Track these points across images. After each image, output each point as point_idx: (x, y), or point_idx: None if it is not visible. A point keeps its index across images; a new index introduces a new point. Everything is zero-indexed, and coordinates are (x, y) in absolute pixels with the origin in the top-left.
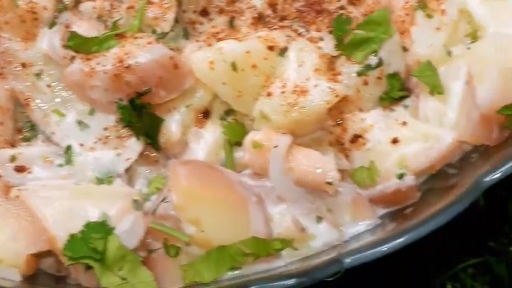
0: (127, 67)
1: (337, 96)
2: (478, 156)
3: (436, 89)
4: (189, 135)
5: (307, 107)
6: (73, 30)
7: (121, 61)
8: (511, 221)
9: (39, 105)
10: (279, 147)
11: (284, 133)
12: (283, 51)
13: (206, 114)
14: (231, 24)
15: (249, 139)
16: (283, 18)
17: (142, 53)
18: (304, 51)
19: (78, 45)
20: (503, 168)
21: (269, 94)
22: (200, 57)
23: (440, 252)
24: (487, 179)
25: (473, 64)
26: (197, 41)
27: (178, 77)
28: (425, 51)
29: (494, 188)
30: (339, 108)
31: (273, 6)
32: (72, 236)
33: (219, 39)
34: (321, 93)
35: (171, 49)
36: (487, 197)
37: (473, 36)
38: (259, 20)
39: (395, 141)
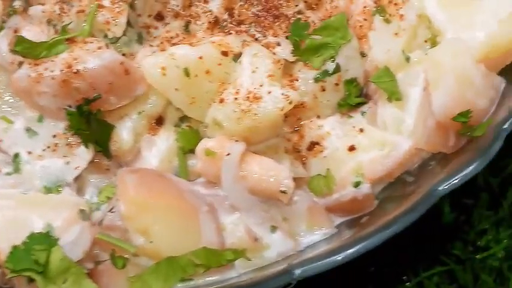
0: (75, 73)
1: (290, 102)
2: (436, 163)
3: (394, 95)
4: (141, 142)
5: (260, 113)
6: (21, 34)
7: (69, 66)
8: (477, 229)
9: None
10: (231, 155)
11: (237, 140)
12: (237, 56)
13: (160, 120)
14: (187, 28)
15: (201, 147)
16: (239, 23)
17: (92, 58)
18: (258, 57)
19: (26, 50)
20: (457, 176)
21: (222, 101)
22: (151, 63)
23: (405, 260)
24: (442, 187)
25: (430, 70)
26: (151, 45)
27: (130, 83)
28: (383, 57)
29: (459, 195)
30: (296, 115)
31: (229, 10)
32: (15, 247)
33: (173, 44)
34: (274, 100)
35: (124, 54)
36: (453, 204)
37: (433, 42)
38: (216, 24)
39: (352, 148)
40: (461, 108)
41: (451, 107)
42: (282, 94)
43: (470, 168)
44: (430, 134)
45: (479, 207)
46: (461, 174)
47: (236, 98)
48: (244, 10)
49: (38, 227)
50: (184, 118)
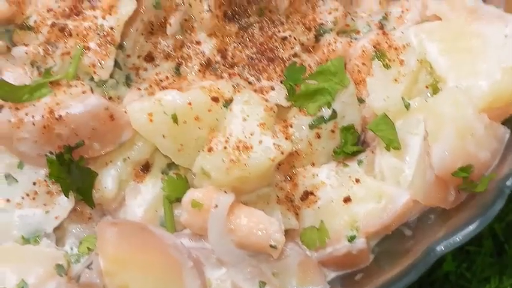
0: (58, 118)
1: (282, 153)
2: (435, 217)
3: (392, 143)
4: (126, 190)
5: (250, 164)
6: (3, 76)
7: (51, 112)
8: (479, 277)
9: None
10: (219, 207)
11: (226, 191)
12: (228, 102)
13: (146, 166)
14: (177, 70)
15: (187, 198)
16: (233, 65)
17: (75, 104)
18: (250, 104)
19: (6, 94)
20: (457, 235)
21: (210, 149)
22: (138, 108)
23: None
24: (440, 247)
25: (430, 120)
26: (138, 89)
27: (115, 129)
28: (381, 104)
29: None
30: (289, 162)
31: (222, 52)
32: None
33: (163, 87)
34: (265, 150)
35: (110, 97)
36: (455, 251)
37: (434, 88)
38: (208, 66)
39: (347, 200)
40: (462, 161)
41: (451, 161)
42: (274, 144)
43: (471, 227)
44: (429, 188)
45: (482, 254)
46: (462, 233)
47: (225, 147)
48: (238, 52)
49: (11, 283)
50: (172, 164)
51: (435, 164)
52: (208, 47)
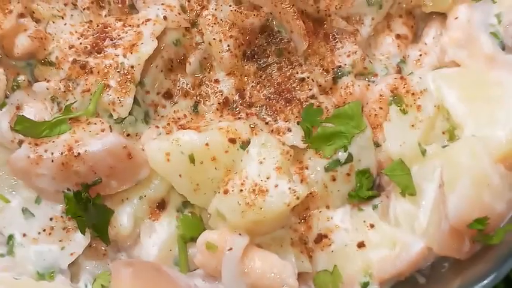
0: (76, 156)
1: (298, 198)
2: (449, 265)
3: (408, 189)
4: (141, 227)
5: (265, 208)
6: (22, 113)
7: (70, 149)
8: None
9: None
10: (233, 250)
11: (240, 234)
12: (245, 143)
13: (161, 204)
14: (195, 109)
15: (202, 240)
16: (250, 105)
17: (94, 141)
18: (267, 147)
19: (26, 129)
20: None
21: (226, 192)
22: (156, 148)
23: None
24: None
25: (446, 169)
26: (156, 126)
27: (132, 167)
28: (397, 150)
29: None
30: (304, 204)
31: (240, 91)
32: None
33: (181, 126)
34: (281, 195)
35: (129, 134)
36: None
37: (451, 134)
38: (225, 105)
39: (361, 245)
40: (478, 212)
41: (467, 212)
42: (290, 189)
43: (485, 282)
44: (444, 238)
45: None
46: (476, 287)
47: (241, 190)
48: (255, 92)
49: None
50: (187, 203)
51: (451, 214)
52: (226, 86)
